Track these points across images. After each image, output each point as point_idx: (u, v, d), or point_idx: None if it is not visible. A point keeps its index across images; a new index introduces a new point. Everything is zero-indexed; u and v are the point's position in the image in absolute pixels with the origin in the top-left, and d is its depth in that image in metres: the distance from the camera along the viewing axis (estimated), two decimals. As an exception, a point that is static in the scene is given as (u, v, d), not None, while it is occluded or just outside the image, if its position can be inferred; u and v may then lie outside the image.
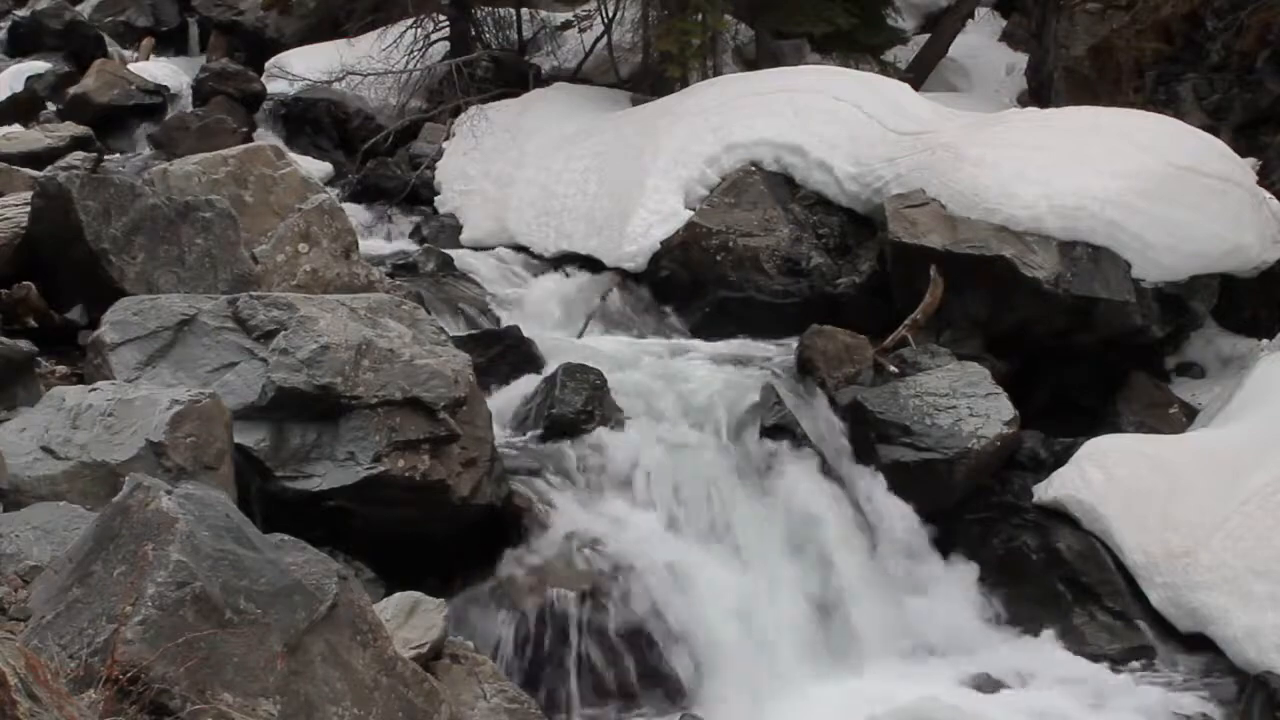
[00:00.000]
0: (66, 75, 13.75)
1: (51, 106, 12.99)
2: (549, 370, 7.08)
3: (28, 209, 6.54)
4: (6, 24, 15.42)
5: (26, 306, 6.21)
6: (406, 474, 5.42)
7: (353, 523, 5.36)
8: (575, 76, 12.76)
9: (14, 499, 4.33)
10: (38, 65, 13.93)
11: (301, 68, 13.26)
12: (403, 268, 8.75)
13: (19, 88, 13.36)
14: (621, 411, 6.81)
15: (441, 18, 13.05)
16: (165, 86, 13.51)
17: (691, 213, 9.03)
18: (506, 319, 8.36)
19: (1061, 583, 6.44)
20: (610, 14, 12.66)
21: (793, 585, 6.29)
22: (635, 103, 11.26)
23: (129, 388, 5.00)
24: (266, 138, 12.15)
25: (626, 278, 9.03)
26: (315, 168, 11.11)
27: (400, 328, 5.83)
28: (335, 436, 5.37)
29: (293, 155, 8.89)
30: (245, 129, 12.52)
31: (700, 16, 11.37)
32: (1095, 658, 6.15)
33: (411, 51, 12.69)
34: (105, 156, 10.62)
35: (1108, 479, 6.52)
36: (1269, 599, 5.78)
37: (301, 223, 7.17)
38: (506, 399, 6.95)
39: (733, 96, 9.75)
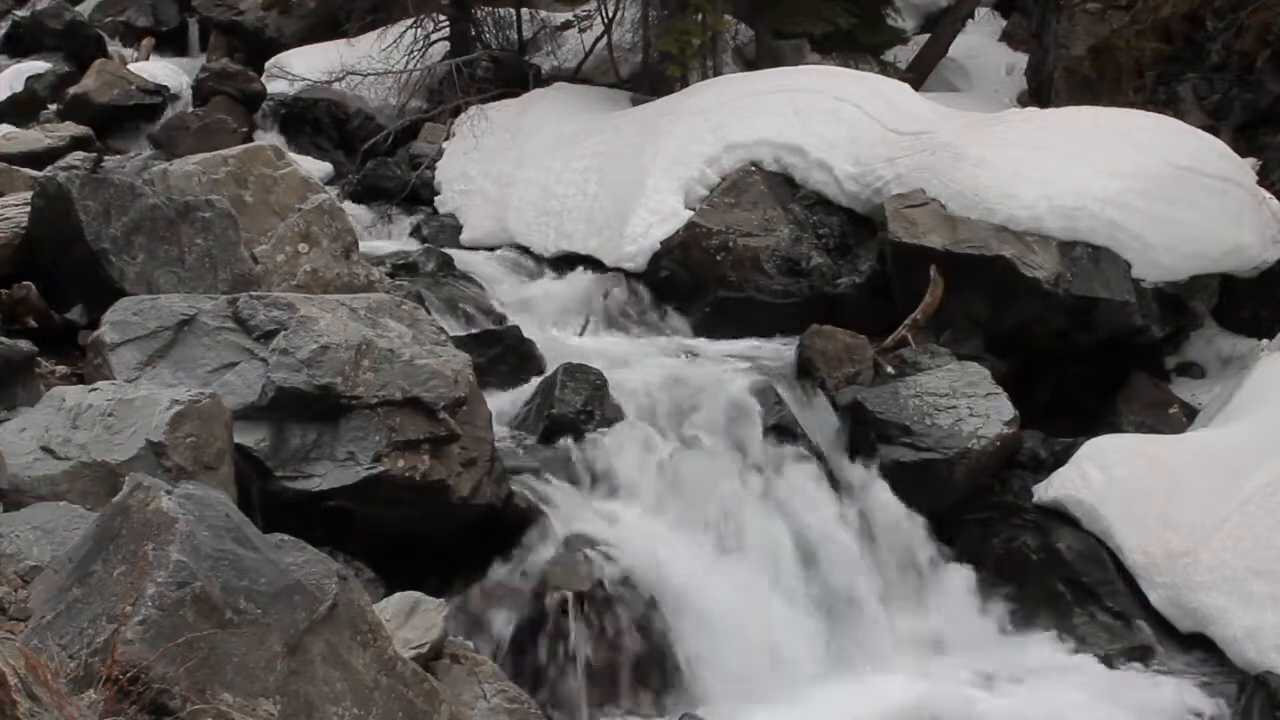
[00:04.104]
0: (66, 75, 13.74)
1: (51, 106, 12.99)
2: (549, 370, 7.09)
3: (28, 209, 6.54)
4: (6, 24, 15.42)
5: (26, 306, 6.21)
6: (406, 474, 5.42)
7: (353, 523, 5.36)
8: (575, 76, 12.77)
9: (14, 499, 4.33)
10: (38, 65, 13.93)
11: (301, 68, 13.27)
12: (403, 268, 8.75)
13: (19, 88, 13.37)
14: (621, 412, 6.81)
15: (441, 18, 13.05)
16: (165, 86, 13.51)
17: (691, 213, 9.03)
18: (506, 319, 8.36)
19: (1061, 583, 6.43)
20: (610, 14, 12.66)
21: (793, 585, 6.29)
22: (635, 103, 11.26)
23: (129, 388, 5.00)
24: (266, 138, 12.15)
25: (627, 278, 9.03)
26: (315, 168, 11.11)
27: (400, 328, 5.83)
28: (335, 436, 5.37)
29: (293, 155, 8.89)
30: (245, 129, 12.52)
31: (700, 16, 11.37)
32: (1095, 657, 6.14)
33: (411, 51, 12.69)
34: (105, 156, 10.63)
35: (1108, 479, 6.51)
36: (1269, 599, 5.78)
37: (301, 223, 7.16)
38: (506, 399, 6.95)
39: (733, 96, 9.74)
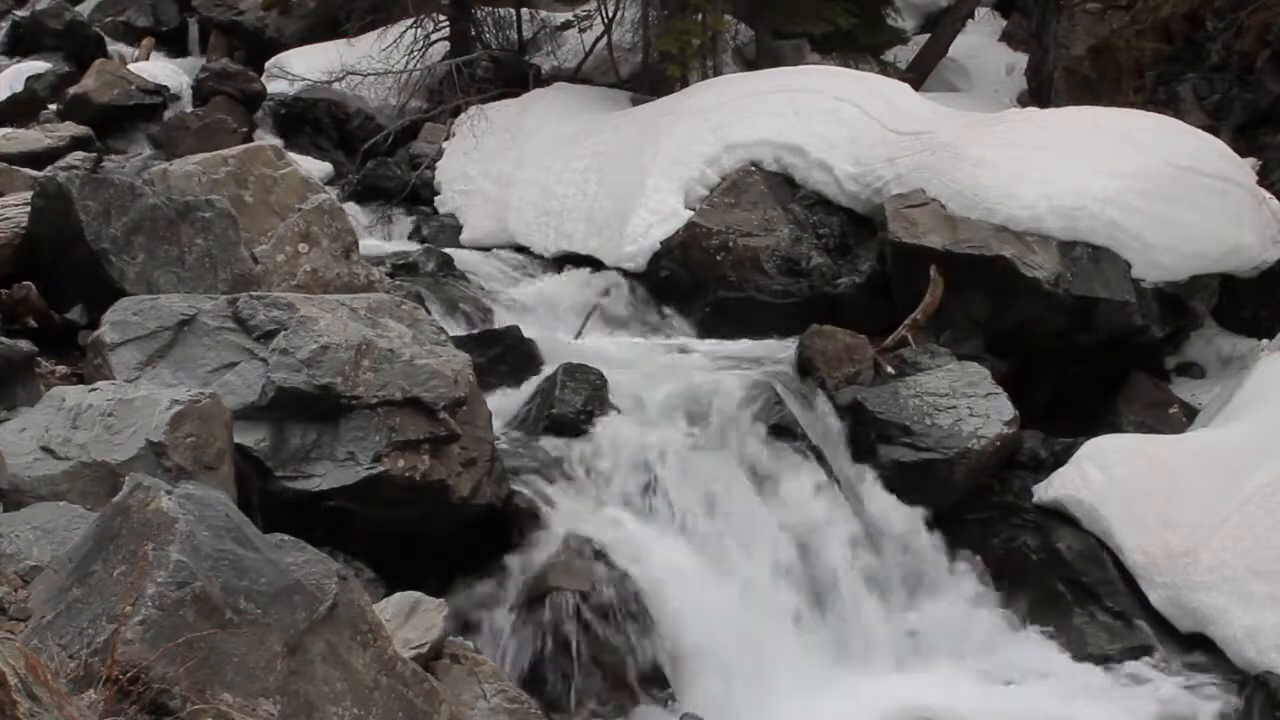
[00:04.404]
0: (66, 75, 13.74)
1: (51, 106, 12.99)
2: (549, 370, 7.08)
3: (28, 209, 6.54)
4: (6, 24, 15.42)
5: (26, 306, 6.21)
6: (406, 474, 5.42)
7: (353, 523, 5.36)
8: (575, 76, 12.77)
9: (14, 499, 4.33)
10: (38, 65, 13.93)
11: (301, 68, 13.28)
12: (403, 268, 8.75)
13: (19, 88, 13.37)
14: (621, 412, 6.81)
15: (441, 18, 13.06)
16: (165, 86, 13.51)
17: (691, 213, 9.03)
18: (506, 319, 8.35)
19: (1061, 583, 6.43)
20: (610, 14, 12.66)
21: (793, 585, 6.29)
22: (635, 103, 11.27)
23: (129, 388, 5.00)
24: (266, 138, 12.16)
25: (626, 278, 9.03)
26: (315, 168, 11.11)
27: (400, 328, 5.83)
28: (335, 436, 5.37)
29: (293, 155, 8.89)
30: (245, 129, 12.52)
31: (700, 16, 11.38)
32: (1095, 658, 6.14)
33: (411, 51, 12.70)
34: (105, 156, 10.64)
35: (1108, 479, 6.51)
36: (1269, 599, 5.78)
37: (301, 223, 7.16)
38: (506, 399, 6.95)
39: (733, 96, 9.75)
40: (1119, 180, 8.02)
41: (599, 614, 5.70)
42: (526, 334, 7.68)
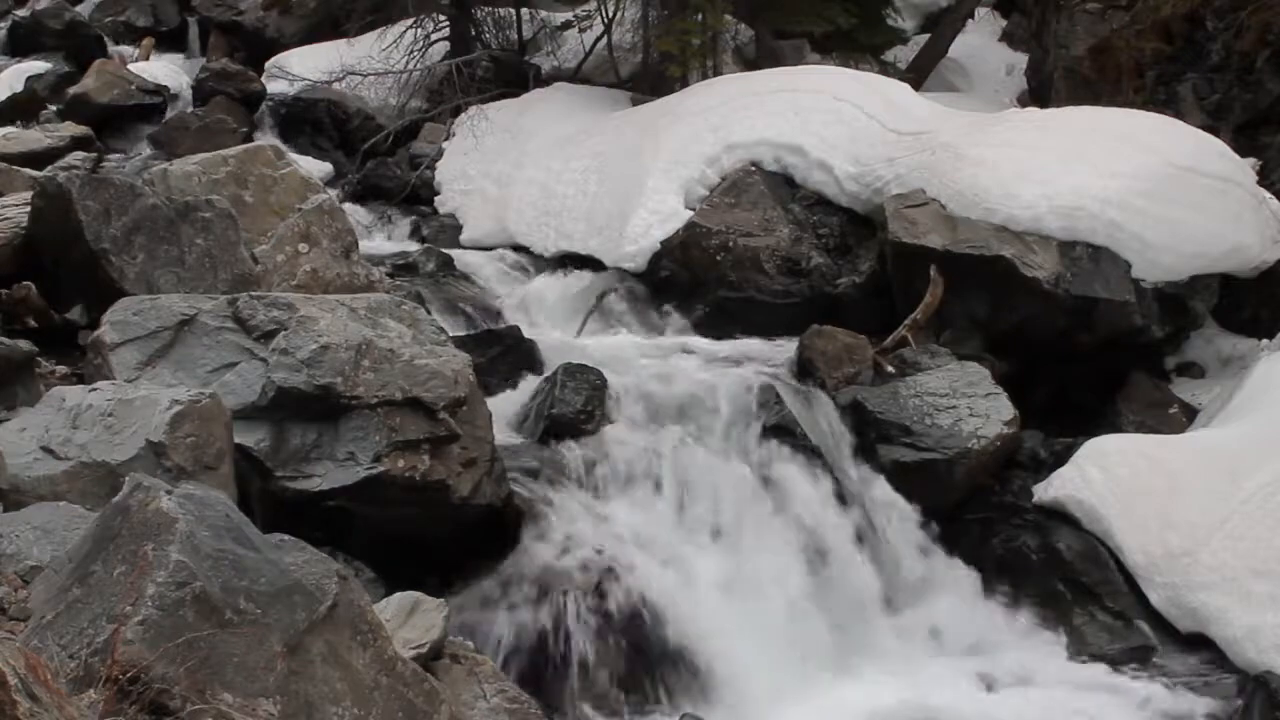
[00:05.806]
0: (66, 75, 13.76)
1: (51, 106, 12.99)
2: (549, 370, 7.09)
3: (28, 209, 6.54)
4: (6, 24, 15.42)
5: (26, 306, 6.21)
6: (406, 474, 5.42)
7: (353, 523, 5.36)
8: (575, 76, 12.77)
9: (14, 499, 4.33)
10: (38, 65, 13.95)
11: (301, 68, 13.27)
12: (403, 268, 8.76)
13: (19, 88, 13.37)
14: (621, 412, 6.81)
15: (441, 18, 13.06)
16: (165, 86, 13.52)
17: (691, 213, 9.03)
18: (506, 319, 8.36)
19: (1061, 583, 6.43)
20: (610, 14, 12.67)
21: (792, 585, 6.29)
22: (635, 103, 11.27)
23: (129, 388, 5.00)
24: (266, 138, 12.16)
25: (627, 278, 9.03)
26: (315, 168, 11.11)
27: (400, 328, 5.83)
28: (335, 436, 5.37)
29: (293, 155, 8.89)
30: (245, 129, 12.53)
31: (700, 16, 11.39)
32: (1095, 658, 6.15)
33: (411, 51, 12.70)
34: (105, 156, 10.64)
35: (1108, 479, 6.51)
36: (1269, 599, 5.78)
37: (301, 223, 7.16)
38: (506, 399, 6.95)
39: (733, 96, 9.75)
40: (1119, 180, 8.02)
41: (599, 614, 5.70)
42: (526, 334, 7.68)
